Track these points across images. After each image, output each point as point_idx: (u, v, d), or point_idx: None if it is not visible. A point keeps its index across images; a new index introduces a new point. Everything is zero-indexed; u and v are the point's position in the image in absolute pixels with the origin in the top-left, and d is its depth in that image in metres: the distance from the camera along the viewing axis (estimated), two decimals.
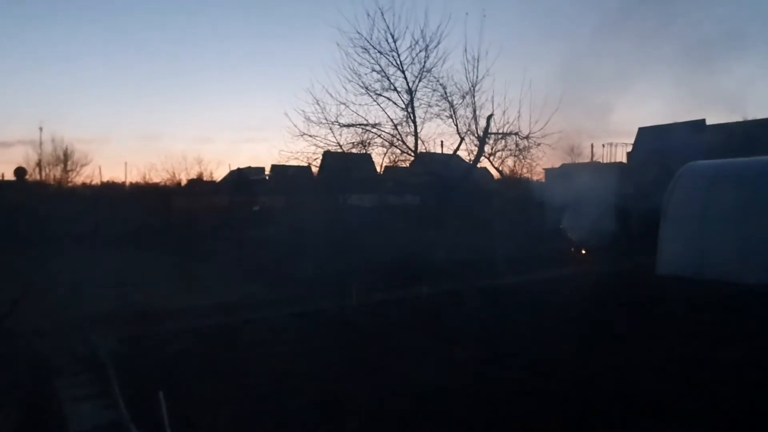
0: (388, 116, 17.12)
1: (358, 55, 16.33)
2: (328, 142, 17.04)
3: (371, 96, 16.73)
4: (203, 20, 74.32)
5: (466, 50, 16.27)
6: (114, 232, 19.84)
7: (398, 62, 16.40)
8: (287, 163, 20.42)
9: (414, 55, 16.27)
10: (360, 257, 14.26)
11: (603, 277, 13.75)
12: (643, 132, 33.52)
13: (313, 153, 17.43)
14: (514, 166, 18.28)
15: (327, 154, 18.92)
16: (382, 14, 15.80)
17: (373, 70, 16.48)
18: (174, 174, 28.75)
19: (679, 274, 12.50)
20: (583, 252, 17.93)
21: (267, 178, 32.42)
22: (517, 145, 17.12)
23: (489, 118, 16.72)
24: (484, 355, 7.28)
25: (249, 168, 34.59)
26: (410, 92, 16.73)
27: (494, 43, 34.65)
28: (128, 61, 70.93)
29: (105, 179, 36.63)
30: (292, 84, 69.44)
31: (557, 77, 38.32)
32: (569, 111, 29.09)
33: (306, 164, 18.60)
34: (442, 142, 18.60)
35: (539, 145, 17.02)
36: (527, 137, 16.82)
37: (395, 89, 16.74)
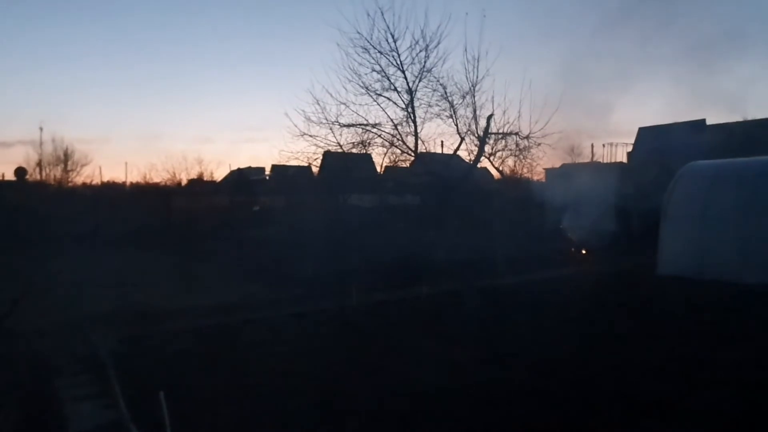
0: (388, 116, 17.17)
1: (358, 55, 16.37)
2: (328, 142, 17.08)
3: (371, 96, 16.76)
4: (203, 20, 74.46)
5: (466, 50, 16.31)
6: (114, 232, 19.85)
7: (398, 62, 16.43)
8: (287, 163, 20.47)
9: (414, 55, 16.31)
10: (360, 257, 14.28)
11: (603, 277, 13.75)
12: (643, 132, 33.51)
13: (314, 153, 17.48)
14: (515, 166, 18.33)
15: (327, 154, 18.93)
16: (382, 14, 15.84)
17: (373, 70, 16.52)
18: (174, 174, 28.79)
19: (680, 274, 12.50)
20: (583, 252, 17.93)
21: (267, 178, 32.44)
22: (517, 145, 17.16)
23: (489, 118, 16.75)
24: (484, 355, 7.28)
25: (249, 168, 34.61)
26: (410, 92, 16.74)
27: (494, 43, 34.69)
28: (128, 61, 71.11)
29: (105, 179, 36.70)
30: (292, 84, 69.63)
31: (557, 77, 38.42)
32: (569, 111, 29.16)
33: (306, 164, 18.65)
34: (442, 142, 18.65)
35: (539, 145, 17.07)
36: (527, 137, 16.86)
37: (395, 89, 16.78)
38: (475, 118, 16.84)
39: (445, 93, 16.73)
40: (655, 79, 60.26)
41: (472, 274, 12.98)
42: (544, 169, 25.10)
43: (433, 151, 18.51)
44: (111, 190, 33.19)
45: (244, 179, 31.66)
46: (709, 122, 30.12)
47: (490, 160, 17.84)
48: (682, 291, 11.40)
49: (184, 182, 29.00)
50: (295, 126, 17.29)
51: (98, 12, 68.32)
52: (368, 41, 16.13)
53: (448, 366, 6.82)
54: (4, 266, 14.49)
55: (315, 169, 20.99)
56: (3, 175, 29.10)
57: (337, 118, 16.77)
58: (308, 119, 16.78)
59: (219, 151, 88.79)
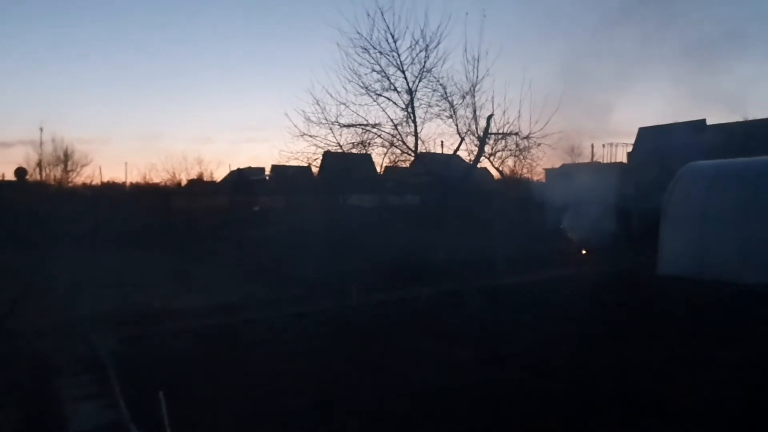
0: (388, 116, 17.13)
1: (358, 55, 16.34)
2: (328, 142, 17.06)
3: (371, 96, 16.73)
4: (203, 20, 74.39)
5: (466, 50, 16.27)
6: (114, 232, 19.85)
7: (398, 62, 16.40)
8: (287, 164, 20.40)
9: (414, 55, 16.28)
10: (360, 257, 14.29)
11: (603, 277, 13.74)
12: (643, 132, 33.52)
13: (313, 153, 17.44)
14: (514, 166, 18.28)
15: (327, 155, 18.92)
16: (382, 14, 15.80)
17: (373, 70, 16.48)
18: (174, 174, 28.83)
19: (680, 274, 12.49)
20: (584, 252, 17.94)
21: (267, 178, 32.41)
22: (517, 145, 17.12)
23: (489, 118, 16.73)
24: (484, 355, 7.28)
25: (249, 168, 34.58)
26: (410, 92, 16.72)
27: (494, 43, 34.60)
28: (128, 61, 71.02)
29: (105, 179, 36.68)
30: (292, 84, 69.60)
31: (557, 77, 38.37)
32: (569, 111, 29.09)
33: (306, 164, 18.59)
34: (442, 142, 18.62)
35: (539, 145, 17.01)
36: (527, 137, 16.82)
37: (395, 89, 16.75)
38: (475, 118, 16.84)
39: (445, 93, 16.73)
40: (655, 79, 60.35)
41: (472, 274, 12.98)
42: (544, 169, 25.11)
43: (433, 151, 18.50)
44: (111, 191, 33.18)
45: (244, 179, 31.65)
46: (709, 122, 30.17)
47: (490, 160, 17.84)
48: (682, 291, 11.40)
49: (184, 182, 29.08)
50: (295, 126, 17.26)
51: (98, 12, 68.38)
52: (368, 41, 16.12)
53: (448, 366, 6.82)
54: (4, 266, 14.50)
55: (315, 170, 20.98)
56: (3, 175, 29.22)
57: (337, 119, 16.77)
58: (308, 119, 16.78)
59: (219, 151, 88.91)
